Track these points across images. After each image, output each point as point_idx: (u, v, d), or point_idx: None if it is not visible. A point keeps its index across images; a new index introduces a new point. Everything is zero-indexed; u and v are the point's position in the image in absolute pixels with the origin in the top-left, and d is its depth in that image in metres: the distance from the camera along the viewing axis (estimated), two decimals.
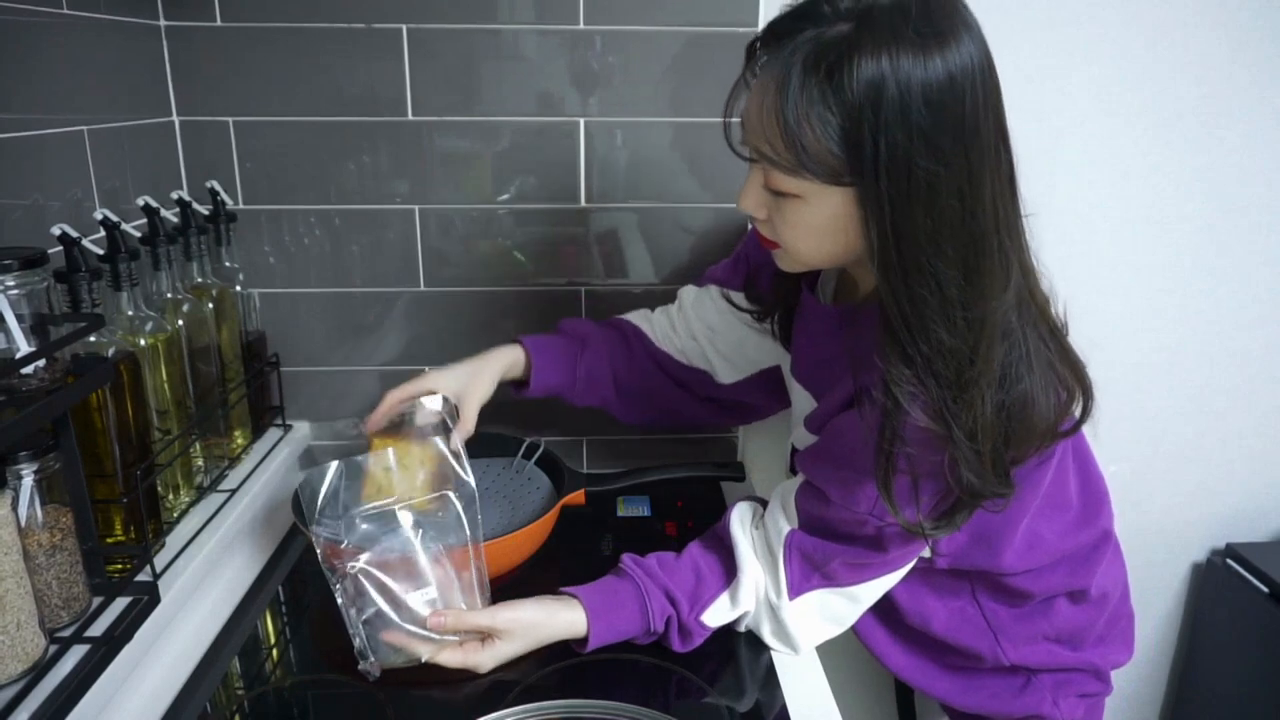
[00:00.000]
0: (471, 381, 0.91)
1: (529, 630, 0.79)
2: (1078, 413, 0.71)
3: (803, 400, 0.87)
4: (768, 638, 0.83)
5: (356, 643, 0.76)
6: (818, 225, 0.67)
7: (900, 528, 0.70)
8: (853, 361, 0.74)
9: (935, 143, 0.60)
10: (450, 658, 0.78)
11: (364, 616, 0.76)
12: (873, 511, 0.72)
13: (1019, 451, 0.67)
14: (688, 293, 1.02)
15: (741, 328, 0.97)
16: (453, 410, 0.88)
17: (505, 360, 0.95)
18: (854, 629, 0.88)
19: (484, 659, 0.78)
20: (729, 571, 0.82)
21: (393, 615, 0.76)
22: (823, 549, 0.76)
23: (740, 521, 0.83)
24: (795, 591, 0.79)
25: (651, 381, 1.00)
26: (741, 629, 0.84)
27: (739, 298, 0.95)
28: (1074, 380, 0.69)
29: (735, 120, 0.71)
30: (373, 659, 0.76)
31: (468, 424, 0.89)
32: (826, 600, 0.80)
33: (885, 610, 0.87)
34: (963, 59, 0.60)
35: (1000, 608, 0.85)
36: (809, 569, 0.78)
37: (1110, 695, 0.91)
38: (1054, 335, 0.69)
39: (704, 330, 0.99)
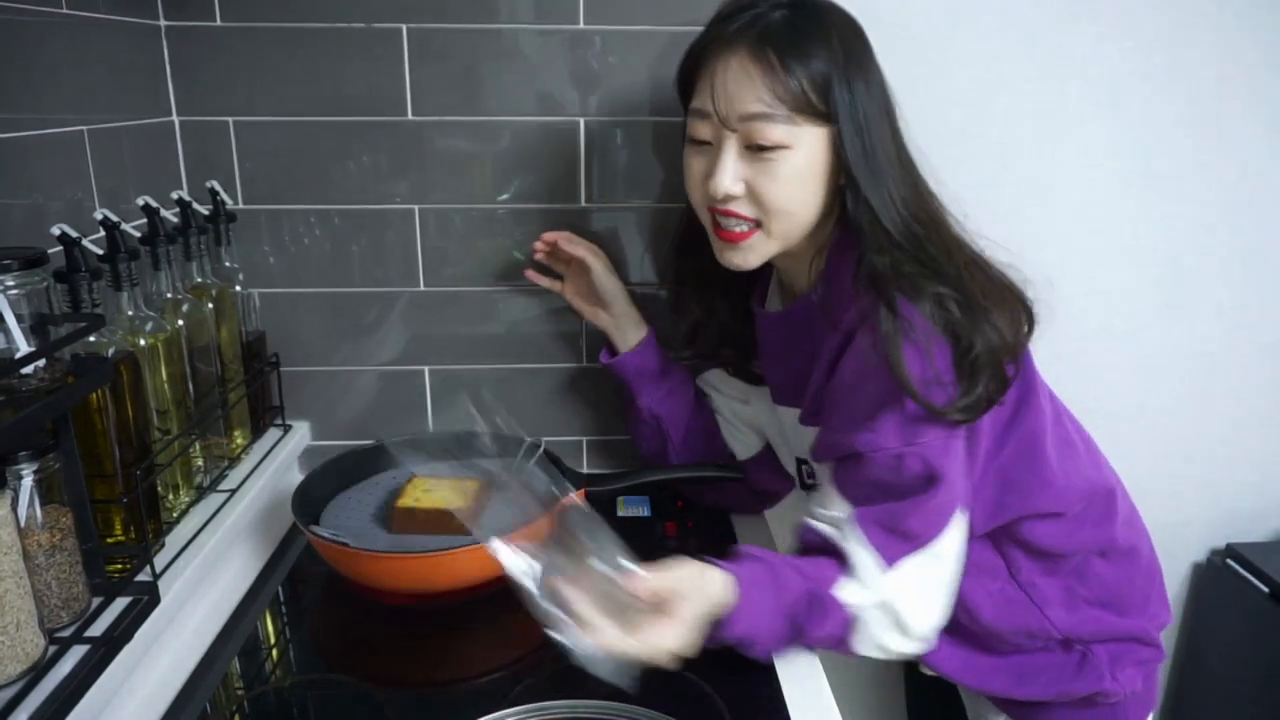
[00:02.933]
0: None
1: (694, 589, 0.71)
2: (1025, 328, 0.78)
3: (792, 419, 0.89)
4: (887, 635, 0.77)
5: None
6: (803, 172, 0.77)
7: (940, 436, 0.72)
8: (829, 313, 0.80)
9: (870, 74, 0.77)
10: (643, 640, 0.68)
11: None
12: (906, 441, 0.73)
13: (994, 306, 0.75)
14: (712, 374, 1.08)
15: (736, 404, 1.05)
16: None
17: (637, 314, 1.04)
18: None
19: (667, 633, 0.68)
20: (836, 557, 0.78)
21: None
22: (889, 511, 0.75)
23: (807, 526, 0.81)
24: (890, 561, 0.75)
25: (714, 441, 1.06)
26: (857, 640, 0.78)
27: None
28: (1009, 289, 0.78)
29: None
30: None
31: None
32: (919, 566, 0.76)
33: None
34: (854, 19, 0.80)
35: (1038, 579, 0.86)
36: (889, 536, 0.76)
37: (1162, 662, 0.92)
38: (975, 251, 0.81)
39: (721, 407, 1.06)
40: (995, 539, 0.85)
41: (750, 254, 0.82)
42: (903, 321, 0.72)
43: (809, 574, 0.76)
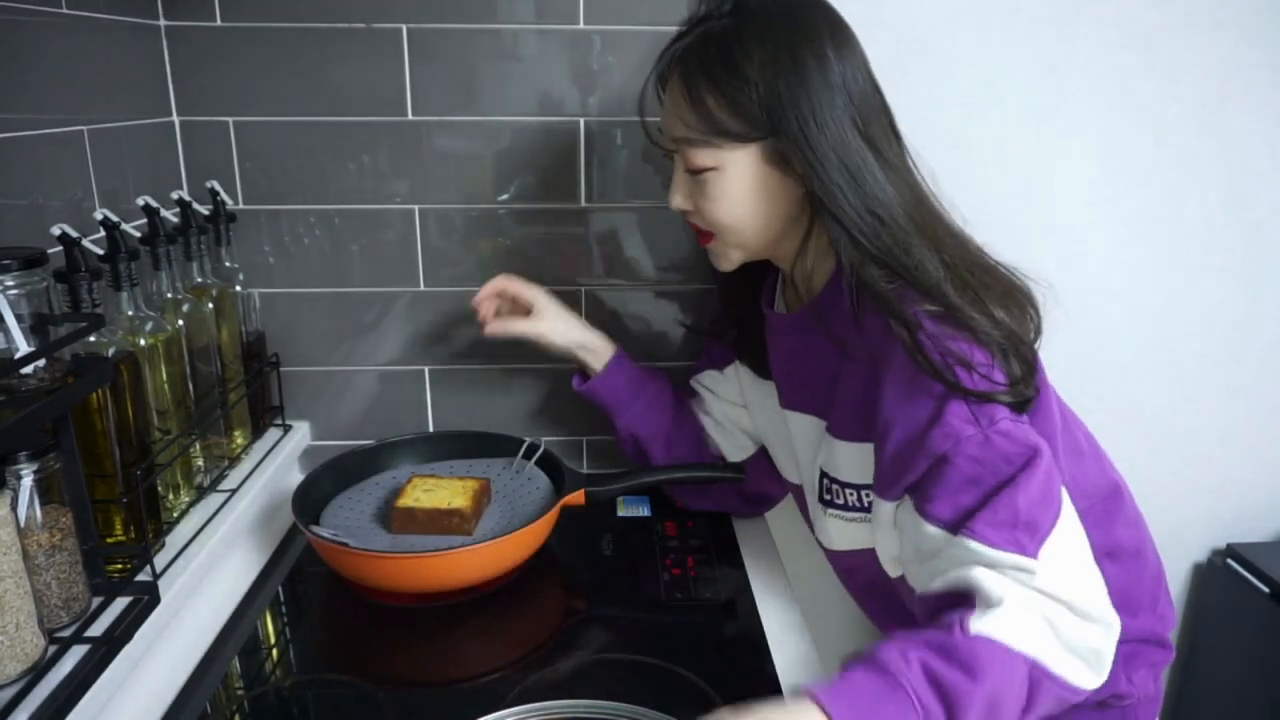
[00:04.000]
0: (565, 315, 1.02)
1: None
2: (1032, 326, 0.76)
3: (806, 426, 0.87)
4: (1076, 629, 0.65)
5: None
6: (736, 192, 0.78)
7: (1010, 419, 0.68)
8: (841, 342, 0.79)
9: (824, 80, 0.73)
10: None
11: None
12: (972, 421, 0.68)
13: (997, 304, 0.72)
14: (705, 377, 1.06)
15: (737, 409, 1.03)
16: None
17: (598, 339, 1.02)
18: None
19: None
20: (963, 598, 0.66)
21: None
22: (999, 506, 0.66)
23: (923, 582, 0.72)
24: (1031, 553, 0.65)
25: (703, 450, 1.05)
26: (1055, 658, 0.64)
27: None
28: (1016, 290, 0.76)
29: (653, 120, 0.85)
30: None
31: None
32: (1058, 547, 0.67)
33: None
34: (814, 21, 0.76)
35: None
36: (1010, 530, 0.66)
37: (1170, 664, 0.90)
38: (970, 249, 0.78)
39: (716, 411, 1.04)
40: None
41: (719, 259, 0.85)
42: (921, 332, 0.69)
43: (929, 641, 0.62)
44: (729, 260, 0.85)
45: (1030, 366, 0.73)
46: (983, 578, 0.64)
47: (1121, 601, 0.86)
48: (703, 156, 0.77)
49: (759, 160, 0.77)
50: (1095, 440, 0.91)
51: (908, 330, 0.70)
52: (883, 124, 0.77)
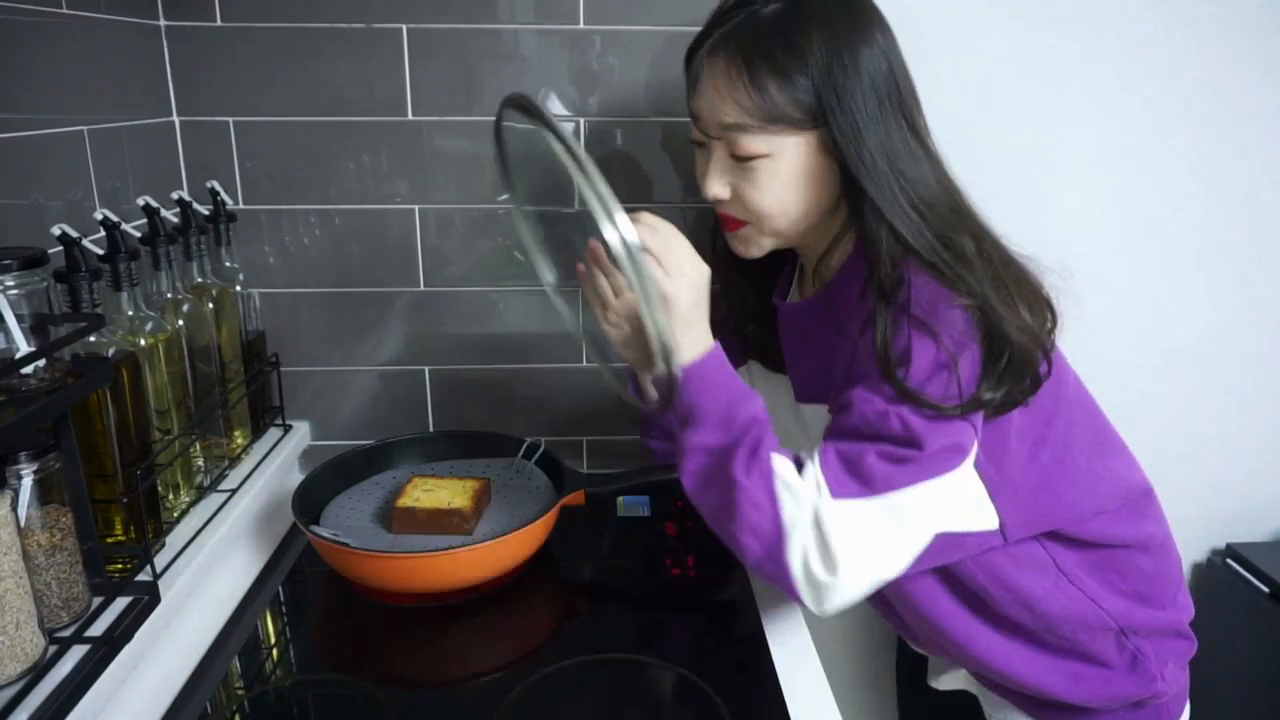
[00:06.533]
0: None
1: (680, 246, 0.72)
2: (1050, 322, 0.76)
3: (818, 417, 0.86)
4: (812, 556, 0.71)
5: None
6: (787, 179, 0.76)
7: (930, 414, 0.70)
8: (841, 324, 0.79)
9: (871, 70, 0.73)
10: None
11: None
12: (891, 404, 0.71)
13: (1023, 303, 0.73)
14: None
15: None
16: None
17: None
18: (961, 641, 0.84)
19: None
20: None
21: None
22: (855, 447, 0.72)
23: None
24: (835, 493, 0.71)
25: None
26: (787, 540, 0.71)
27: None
28: (1032, 284, 0.76)
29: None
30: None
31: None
32: (870, 513, 0.71)
33: (986, 610, 0.84)
34: (865, 7, 0.76)
35: (1084, 574, 0.84)
36: (844, 472, 0.72)
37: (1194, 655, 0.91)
38: (998, 242, 0.78)
39: None
40: (1037, 537, 0.83)
41: (750, 245, 0.83)
42: (905, 333, 0.70)
43: (764, 415, 0.74)
44: (759, 248, 0.83)
45: (1036, 381, 0.73)
46: (809, 466, 0.72)
47: (1150, 593, 0.87)
48: (756, 143, 0.75)
49: (812, 148, 0.75)
50: (1123, 441, 0.91)
51: (907, 327, 0.70)
52: (922, 117, 0.77)
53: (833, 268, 0.82)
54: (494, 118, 0.80)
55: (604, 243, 0.65)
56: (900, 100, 0.75)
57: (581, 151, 0.65)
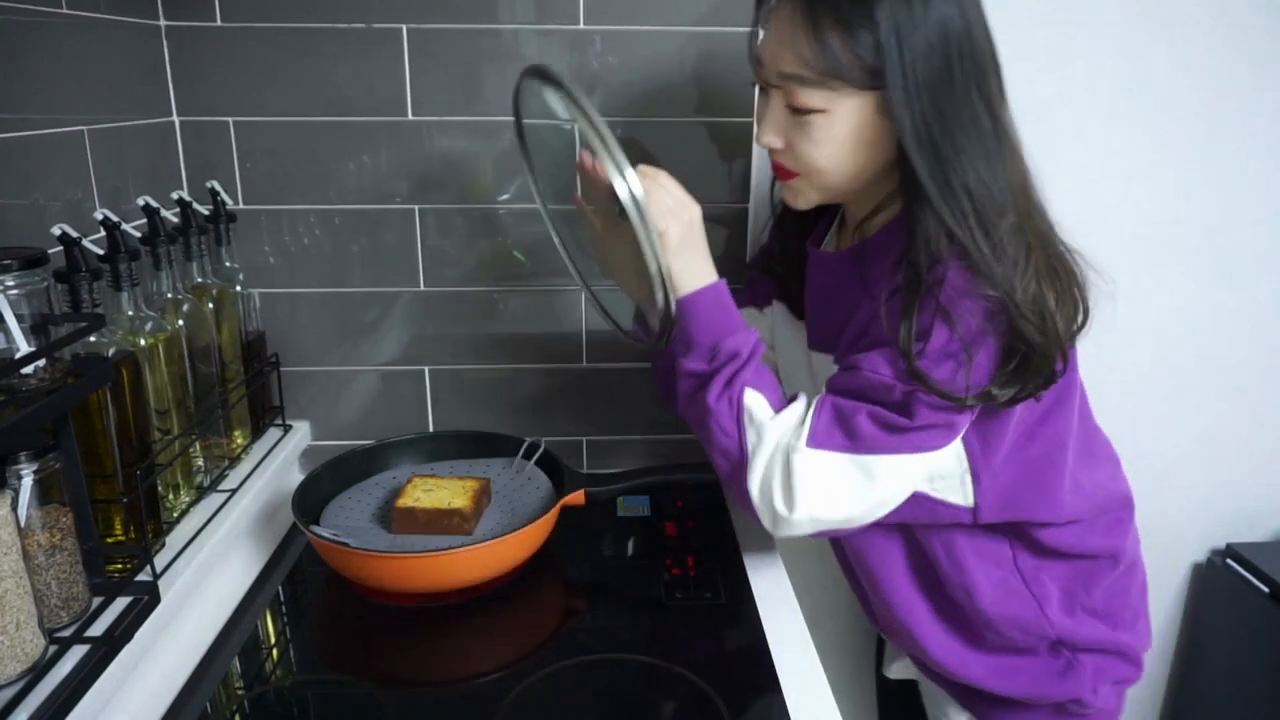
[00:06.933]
0: None
1: (672, 188, 0.76)
2: (1080, 319, 0.76)
3: (825, 366, 0.87)
4: (776, 489, 0.76)
5: None
6: (842, 137, 0.74)
7: (933, 396, 0.71)
8: (870, 284, 0.79)
9: (944, 34, 0.69)
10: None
11: None
12: (900, 379, 0.72)
13: (1062, 314, 0.73)
14: None
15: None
16: None
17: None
18: (897, 610, 0.86)
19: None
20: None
21: None
22: (850, 404, 0.75)
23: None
24: (815, 441, 0.75)
25: None
26: (751, 462, 0.77)
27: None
28: (1073, 279, 0.76)
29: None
30: None
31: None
32: (843, 467, 0.75)
33: (931, 585, 0.86)
34: None
35: (1043, 575, 0.85)
36: (834, 424, 0.75)
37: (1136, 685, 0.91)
38: (1053, 233, 0.77)
39: None
40: (1005, 529, 0.85)
41: (798, 196, 0.82)
42: (936, 293, 0.70)
43: (749, 349, 0.77)
44: (806, 200, 0.82)
45: (1050, 378, 0.73)
46: (798, 403, 0.77)
47: (1108, 611, 0.87)
48: (813, 98, 0.73)
49: (871, 109, 0.72)
50: (1112, 448, 0.91)
51: (918, 282, 0.71)
52: (999, 85, 0.73)
53: (874, 225, 0.82)
54: (513, 95, 0.86)
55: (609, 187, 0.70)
56: (976, 67, 0.71)
57: (591, 109, 0.70)
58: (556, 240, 0.93)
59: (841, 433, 0.75)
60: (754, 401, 0.77)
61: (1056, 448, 0.82)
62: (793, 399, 0.79)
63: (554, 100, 0.73)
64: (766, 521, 0.79)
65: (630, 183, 0.70)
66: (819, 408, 0.76)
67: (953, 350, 0.70)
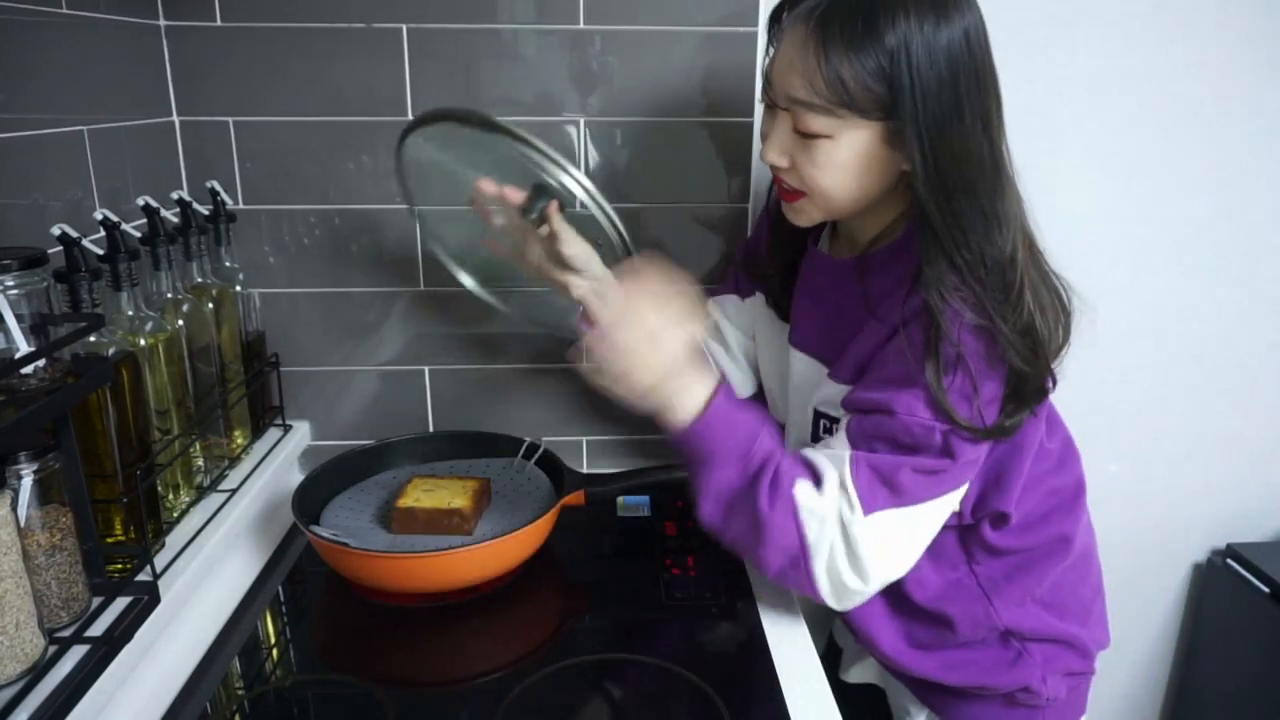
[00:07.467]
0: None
1: (640, 315, 0.75)
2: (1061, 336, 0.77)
3: (806, 367, 0.88)
4: (842, 567, 0.75)
5: None
6: (846, 163, 0.75)
7: (965, 430, 0.72)
8: (873, 303, 0.79)
9: (959, 75, 0.70)
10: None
11: None
12: (938, 417, 0.72)
13: (1052, 340, 0.74)
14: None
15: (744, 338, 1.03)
16: None
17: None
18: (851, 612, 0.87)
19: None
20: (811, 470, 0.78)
21: None
22: (890, 460, 0.74)
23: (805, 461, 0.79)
24: (868, 508, 0.74)
25: None
26: (813, 554, 0.75)
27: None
28: (1060, 303, 0.76)
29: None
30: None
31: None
32: (896, 523, 0.75)
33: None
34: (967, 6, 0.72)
35: (995, 574, 0.86)
36: (877, 483, 0.74)
37: (1095, 679, 0.92)
38: (1041, 258, 0.78)
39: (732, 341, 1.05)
40: (960, 531, 0.85)
41: (800, 215, 0.82)
42: (953, 346, 0.70)
43: (776, 444, 0.76)
44: (809, 219, 0.82)
45: (1041, 396, 0.75)
46: (828, 481, 0.74)
47: (1057, 602, 0.87)
48: (820, 124, 0.73)
49: (876, 138, 0.73)
50: (1069, 436, 0.91)
51: (939, 334, 0.71)
52: (1000, 118, 0.74)
53: (870, 238, 0.82)
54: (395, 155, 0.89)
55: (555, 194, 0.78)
56: (983, 103, 0.72)
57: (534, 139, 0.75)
58: (471, 285, 0.97)
59: (886, 491, 0.74)
60: (803, 493, 0.74)
61: (1022, 446, 0.82)
62: (808, 464, 0.77)
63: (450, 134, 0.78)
64: (833, 600, 0.77)
65: (576, 176, 0.75)
66: (855, 470, 0.74)
67: (968, 388, 0.72)
